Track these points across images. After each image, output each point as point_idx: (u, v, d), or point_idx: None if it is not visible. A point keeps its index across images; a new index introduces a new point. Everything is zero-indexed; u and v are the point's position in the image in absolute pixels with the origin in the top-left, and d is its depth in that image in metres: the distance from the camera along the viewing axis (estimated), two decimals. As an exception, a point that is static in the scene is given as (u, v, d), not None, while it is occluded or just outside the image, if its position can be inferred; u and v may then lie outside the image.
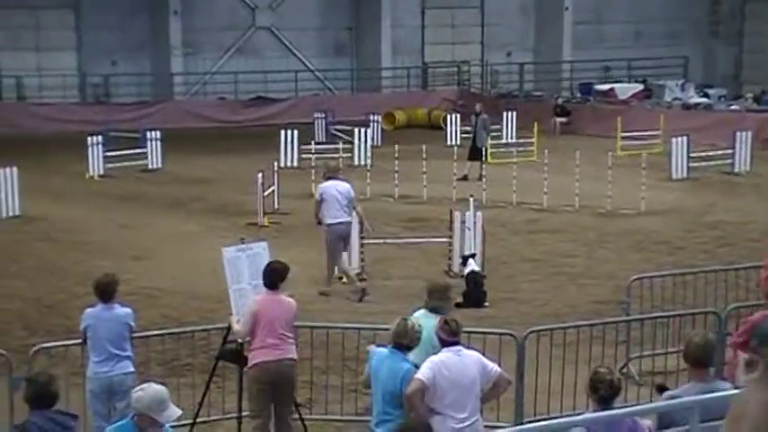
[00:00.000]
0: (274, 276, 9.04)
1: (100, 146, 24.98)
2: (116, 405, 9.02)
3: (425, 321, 7.99)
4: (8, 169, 19.98)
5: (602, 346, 10.68)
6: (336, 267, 14.96)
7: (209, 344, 10.79)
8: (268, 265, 9.19)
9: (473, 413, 7.52)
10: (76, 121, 32.21)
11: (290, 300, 9.17)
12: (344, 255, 15.05)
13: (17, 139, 30.29)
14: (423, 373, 7.41)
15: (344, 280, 15.02)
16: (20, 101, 35.19)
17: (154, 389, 6.47)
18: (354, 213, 14.90)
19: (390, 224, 18.95)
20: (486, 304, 14.19)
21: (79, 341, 9.39)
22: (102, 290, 9.13)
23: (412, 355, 7.73)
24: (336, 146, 25.19)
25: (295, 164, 25.57)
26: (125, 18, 36.51)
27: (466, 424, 7.45)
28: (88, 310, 9.28)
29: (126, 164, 25.15)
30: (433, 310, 8.30)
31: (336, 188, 14.72)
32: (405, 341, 7.67)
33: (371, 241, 15.88)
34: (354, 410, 10.20)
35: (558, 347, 10.48)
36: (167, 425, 6.51)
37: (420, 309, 8.50)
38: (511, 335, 10.06)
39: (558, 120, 33.46)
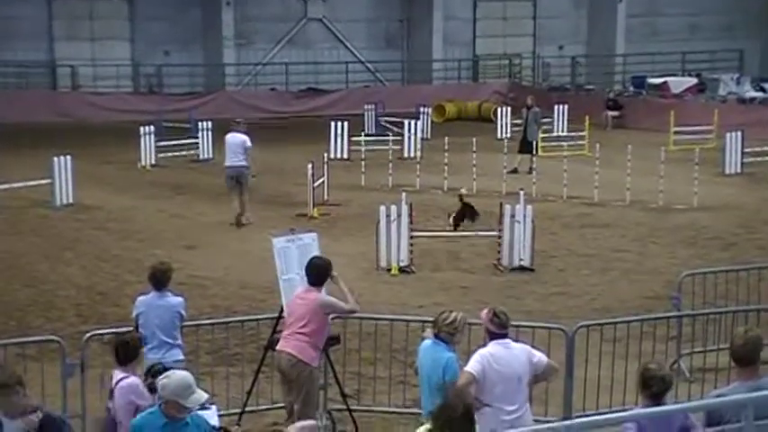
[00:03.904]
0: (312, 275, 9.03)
1: (152, 136, 25.25)
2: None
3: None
4: (62, 158, 20.26)
5: (653, 341, 10.57)
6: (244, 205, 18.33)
7: (259, 333, 10.85)
8: (311, 260, 9.16)
9: (522, 405, 7.50)
10: (129, 111, 32.61)
11: (317, 296, 8.96)
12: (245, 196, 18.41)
13: (71, 128, 30.75)
14: (472, 366, 7.39)
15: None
16: (74, 90, 35.69)
17: (179, 374, 6.55)
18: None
19: (439, 217, 18.91)
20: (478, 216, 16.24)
21: (131, 328, 9.49)
22: (157, 278, 9.21)
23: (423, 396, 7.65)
24: (386, 137, 25.19)
25: (345, 155, 25.61)
26: (178, 8, 36.85)
27: (515, 416, 7.43)
28: (141, 297, 9.38)
29: (177, 154, 25.39)
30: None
31: (233, 138, 18.61)
32: (438, 332, 7.66)
33: (420, 234, 15.87)
34: (402, 402, 10.20)
35: (608, 342, 10.40)
36: (195, 408, 6.54)
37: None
38: (561, 329, 9.99)
39: (610, 113, 33.14)
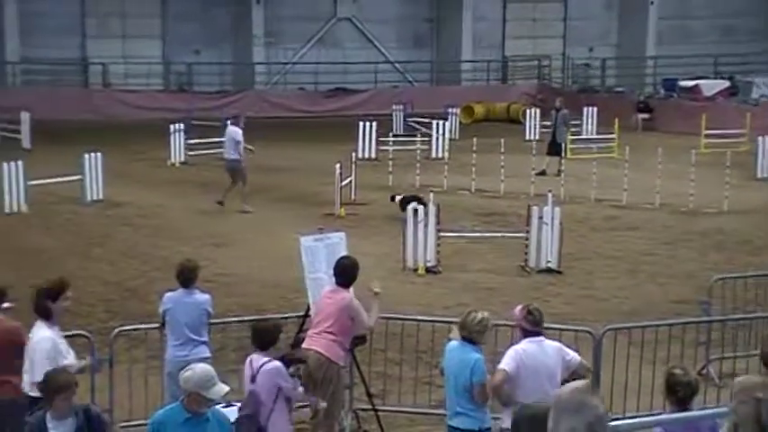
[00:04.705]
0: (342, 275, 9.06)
1: (181, 133, 25.39)
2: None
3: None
4: (93, 155, 20.41)
5: (681, 346, 10.50)
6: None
7: (286, 332, 10.83)
8: (339, 261, 9.17)
9: None
10: (159, 109, 32.77)
11: (345, 297, 8.97)
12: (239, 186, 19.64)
13: (102, 125, 30.98)
14: (506, 364, 7.38)
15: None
16: (105, 88, 35.94)
17: (201, 367, 6.64)
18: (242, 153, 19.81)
19: (466, 218, 18.88)
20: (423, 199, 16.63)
21: (158, 325, 9.54)
22: (185, 275, 9.25)
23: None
24: (414, 138, 25.17)
25: (373, 155, 25.63)
26: (209, 7, 37.02)
27: None
28: (168, 294, 9.42)
29: (206, 152, 25.50)
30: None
31: (227, 132, 20.18)
32: (465, 334, 7.63)
33: (448, 234, 15.85)
34: (428, 402, 10.18)
35: (635, 346, 10.33)
36: (217, 399, 6.63)
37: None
38: (588, 332, 9.94)
39: (640, 116, 32.94)
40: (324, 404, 8.83)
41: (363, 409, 9.81)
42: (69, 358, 7.86)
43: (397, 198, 18.50)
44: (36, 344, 7.74)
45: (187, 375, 6.53)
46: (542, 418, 3.87)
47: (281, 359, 8.00)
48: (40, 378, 7.30)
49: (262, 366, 7.74)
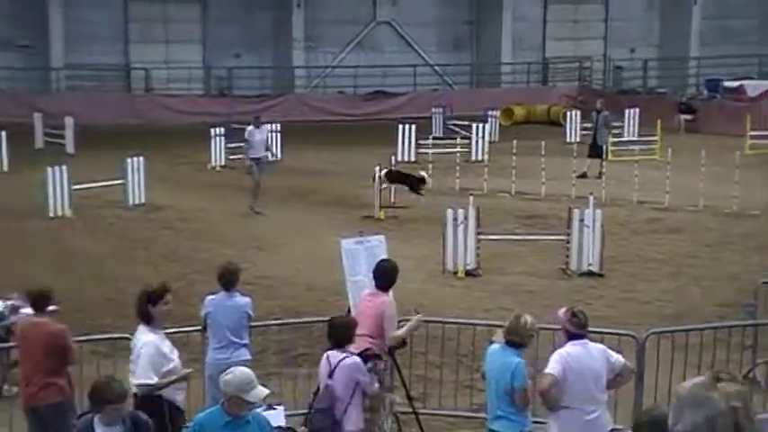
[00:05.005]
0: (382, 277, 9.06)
1: (222, 137, 25.53)
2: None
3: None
4: (135, 159, 20.60)
5: (727, 350, 10.35)
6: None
7: (326, 335, 10.86)
8: (379, 263, 9.17)
9: (600, 406, 7.44)
10: (200, 113, 33.03)
11: (384, 301, 8.97)
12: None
13: (144, 130, 31.27)
14: (553, 368, 7.33)
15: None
16: (147, 92, 36.27)
17: (241, 371, 6.66)
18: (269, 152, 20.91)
19: (507, 220, 18.79)
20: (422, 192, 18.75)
21: (199, 328, 9.59)
22: (226, 278, 9.29)
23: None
24: (453, 141, 25.10)
25: (412, 158, 25.61)
26: (249, 11, 37.22)
27: (594, 416, 7.39)
28: (209, 297, 9.46)
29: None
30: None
31: (257, 133, 20.78)
32: (515, 338, 7.58)
33: (488, 237, 15.79)
34: (468, 406, 10.14)
35: (679, 350, 10.20)
36: (257, 403, 6.64)
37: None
38: (631, 336, 9.84)
39: (683, 117, 32.61)
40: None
41: (404, 413, 9.78)
42: (174, 359, 8.01)
43: (383, 171, 19.65)
44: (140, 348, 7.88)
45: (227, 379, 6.56)
46: (663, 420, 3.83)
47: (359, 355, 8.18)
48: (144, 381, 7.66)
49: (340, 362, 7.92)
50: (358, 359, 8.04)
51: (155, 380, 7.75)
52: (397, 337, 8.98)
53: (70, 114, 27.96)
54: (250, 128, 20.93)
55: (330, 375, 7.93)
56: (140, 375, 7.73)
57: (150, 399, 7.77)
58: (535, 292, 14.48)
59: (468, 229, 15.30)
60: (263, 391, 6.61)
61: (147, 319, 7.99)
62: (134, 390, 7.88)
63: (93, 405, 6.56)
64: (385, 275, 9.02)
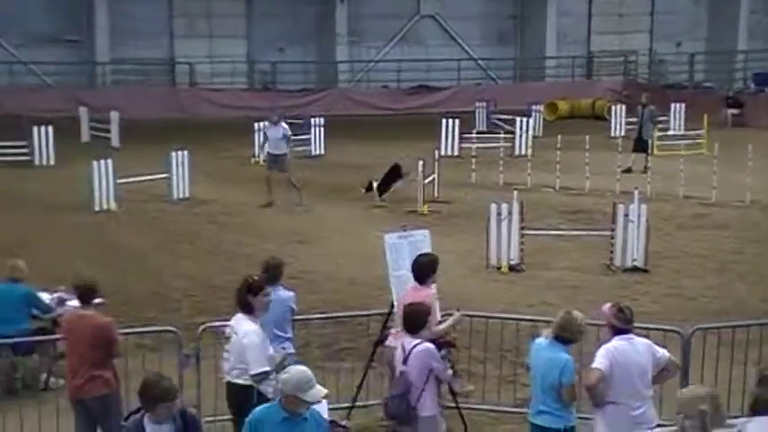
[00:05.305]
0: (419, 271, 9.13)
1: (265, 132, 25.56)
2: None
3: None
4: (180, 153, 20.75)
5: (773, 347, 10.22)
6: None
7: (369, 329, 10.88)
8: (417, 258, 9.17)
9: (646, 400, 7.43)
10: (244, 108, 33.17)
11: (428, 295, 8.96)
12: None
13: (188, 124, 31.50)
14: (600, 363, 7.32)
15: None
16: (192, 87, 36.54)
17: (299, 370, 6.56)
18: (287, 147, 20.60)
19: (551, 215, 18.68)
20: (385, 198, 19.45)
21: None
22: (270, 272, 9.32)
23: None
24: (497, 135, 25.00)
25: (456, 153, 25.56)
26: (293, 6, 37.35)
27: (640, 411, 7.39)
28: (253, 290, 9.49)
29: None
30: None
31: (272, 129, 20.62)
32: (566, 335, 7.55)
33: (532, 232, 15.72)
34: (512, 401, 10.11)
35: (725, 346, 10.09)
36: (315, 403, 6.57)
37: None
38: (676, 332, 9.75)
39: (730, 111, 32.21)
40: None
41: (447, 407, 9.76)
42: (270, 350, 8.22)
43: (375, 184, 20.01)
44: (243, 337, 8.04)
45: (285, 378, 6.51)
46: None
47: (432, 342, 8.28)
48: (261, 369, 7.86)
49: (414, 348, 8.02)
50: (431, 345, 8.15)
51: (267, 367, 7.95)
52: (437, 331, 8.97)
53: (115, 108, 28.24)
54: (266, 124, 21.21)
55: (404, 362, 8.07)
56: (256, 365, 7.93)
57: (245, 389, 7.94)
58: (579, 288, 14.40)
59: (511, 223, 15.24)
60: (321, 390, 6.54)
61: (248, 309, 8.20)
62: (227, 378, 8.17)
63: (144, 403, 6.51)
64: (422, 269, 9.05)
